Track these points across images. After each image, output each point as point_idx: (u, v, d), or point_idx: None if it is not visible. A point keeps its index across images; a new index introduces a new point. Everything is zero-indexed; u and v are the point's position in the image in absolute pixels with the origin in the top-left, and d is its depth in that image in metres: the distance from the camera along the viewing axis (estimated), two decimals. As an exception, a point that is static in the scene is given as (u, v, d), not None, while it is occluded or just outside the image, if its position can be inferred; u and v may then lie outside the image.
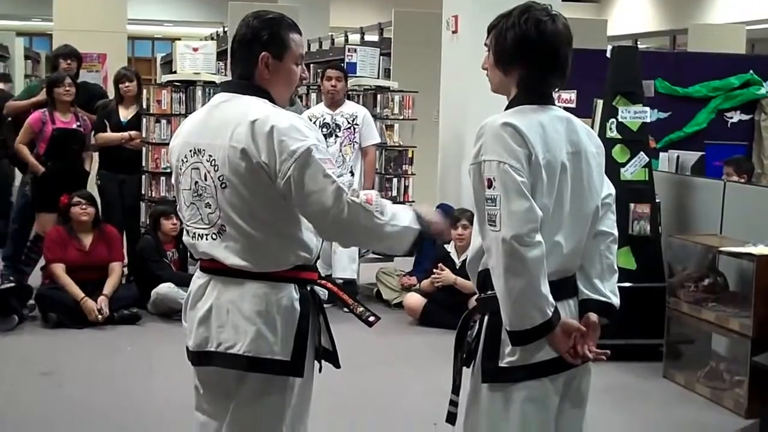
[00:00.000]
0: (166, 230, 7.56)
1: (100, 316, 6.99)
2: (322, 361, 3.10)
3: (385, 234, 2.90)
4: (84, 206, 7.31)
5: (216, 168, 2.89)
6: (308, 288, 3.01)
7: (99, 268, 7.31)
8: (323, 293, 3.15)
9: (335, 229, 2.90)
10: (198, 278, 3.06)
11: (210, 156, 2.91)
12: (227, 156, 2.86)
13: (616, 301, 2.91)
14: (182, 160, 3.00)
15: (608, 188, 2.98)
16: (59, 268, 7.17)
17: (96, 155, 8.33)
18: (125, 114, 8.21)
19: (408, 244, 2.96)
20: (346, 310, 3.17)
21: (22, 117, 8.03)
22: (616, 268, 2.96)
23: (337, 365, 3.11)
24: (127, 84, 8.19)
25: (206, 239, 2.97)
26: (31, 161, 7.78)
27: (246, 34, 2.98)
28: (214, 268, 2.98)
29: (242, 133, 2.84)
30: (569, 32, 2.82)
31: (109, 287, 7.19)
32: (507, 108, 2.82)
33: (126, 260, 7.79)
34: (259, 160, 2.82)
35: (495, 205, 2.65)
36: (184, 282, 7.10)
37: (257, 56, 2.97)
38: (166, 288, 7.29)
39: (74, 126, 7.86)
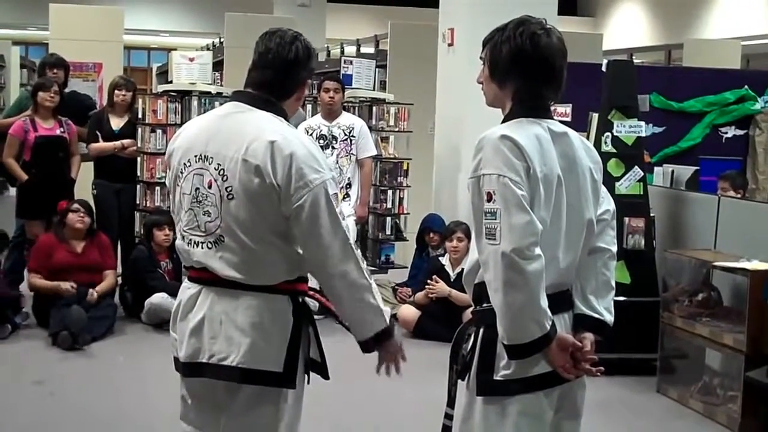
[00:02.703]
0: (159, 241, 7.56)
1: (70, 291, 6.99)
2: (311, 373, 3.09)
3: (363, 299, 2.91)
4: (82, 214, 7.32)
5: (225, 178, 2.89)
6: (300, 299, 3.00)
7: (90, 269, 7.32)
8: (314, 304, 3.15)
9: (326, 269, 2.89)
10: (188, 288, 3.05)
11: (219, 165, 2.90)
12: (239, 169, 2.86)
13: (609, 318, 2.90)
14: (185, 164, 2.99)
15: (608, 204, 2.98)
16: (34, 278, 7.24)
17: (91, 164, 8.32)
18: (117, 123, 8.20)
19: (370, 331, 2.95)
20: (337, 322, 3.17)
21: None
22: (613, 284, 2.95)
23: (326, 377, 3.10)
24: (124, 92, 8.17)
25: (201, 247, 2.96)
26: (17, 172, 7.77)
27: (295, 55, 2.99)
28: (206, 278, 2.97)
29: (259, 150, 2.84)
30: (564, 45, 2.83)
31: (100, 287, 7.23)
32: (503, 121, 2.82)
33: (120, 270, 7.78)
34: (272, 180, 2.82)
35: (495, 219, 2.64)
36: (177, 292, 7.09)
37: (303, 81, 3.03)
38: (159, 298, 7.28)
39: (57, 132, 7.84)
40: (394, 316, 7.66)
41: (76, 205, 7.37)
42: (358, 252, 2.95)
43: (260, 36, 3.05)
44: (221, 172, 2.89)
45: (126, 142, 8.15)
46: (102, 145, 8.11)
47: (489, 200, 2.65)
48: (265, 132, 2.86)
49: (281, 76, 3.00)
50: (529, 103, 2.81)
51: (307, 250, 2.90)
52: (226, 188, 2.88)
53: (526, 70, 2.78)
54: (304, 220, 2.83)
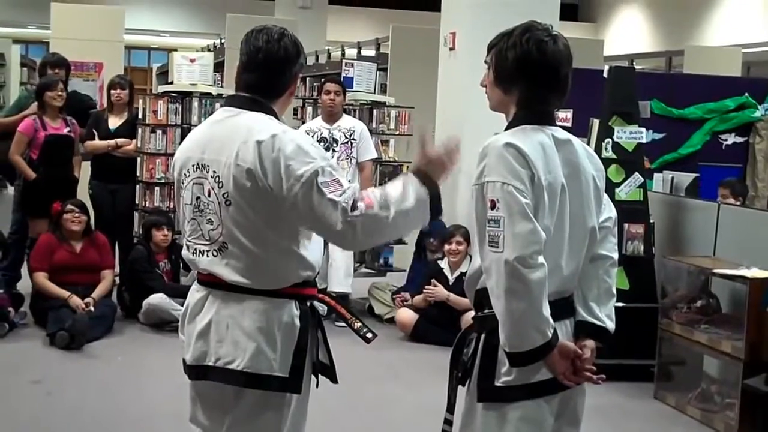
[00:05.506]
0: (157, 241, 7.54)
1: (84, 308, 6.92)
2: (319, 376, 3.08)
3: (401, 221, 2.80)
4: (77, 214, 7.30)
5: (221, 185, 2.88)
6: (308, 303, 3.00)
7: (89, 269, 7.29)
8: (322, 308, 3.13)
9: (354, 244, 2.88)
10: (196, 291, 3.04)
11: (215, 172, 2.89)
12: (232, 174, 2.84)
13: (610, 325, 2.90)
14: (184, 174, 2.98)
15: (609, 211, 2.97)
16: (40, 277, 7.18)
17: (87, 164, 8.31)
18: (114, 122, 8.20)
19: (426, 211, 2.81)
20: (342, 324, 3.15)
21: (14, 131, 7.89)
22: (614, 292, 2.95)
23: (334, 380, 3.10)
24: (118, 91, 8.18)
25: (206, 256, 2.95)
26: (25, 170, 7.75)
27: (285, 51, 2.95)
28: (214, 282, 2.96)
29: (248, 153, 2.81)
30: (570, 52, 2.82)
31: (98, 292, 7.17)
32: (508, 127, 2.81)
33: (118, 270, 7.76)
34: (265, 183, 2.80)
35: (498, 227, 2.63)
36: (176, 293, 7.10)
37: (295, 76, 3.00)
38: (158, 299, 7.26)
39: (65, 131, 7.84)
40: (391, 320, 7.72)
41: (69, 206, 7.33)
42: (360, 208, 2.76)
43: (246, 35, 3.00)
44: (217, 179, 2.88)
45: (120, 141, 8.14)
46: (96, 143, 8.12)
47: (493, 208, 2.64)
48: (252, 133, 2.84)
49: (274, 75, 2.97)
50: (534, 110, 2.80)
51: (328, 240, 2.91)
52: (223, 195, 2.87)
53: (532, 77, 2.77)
54: (305, 213, 2.79)
